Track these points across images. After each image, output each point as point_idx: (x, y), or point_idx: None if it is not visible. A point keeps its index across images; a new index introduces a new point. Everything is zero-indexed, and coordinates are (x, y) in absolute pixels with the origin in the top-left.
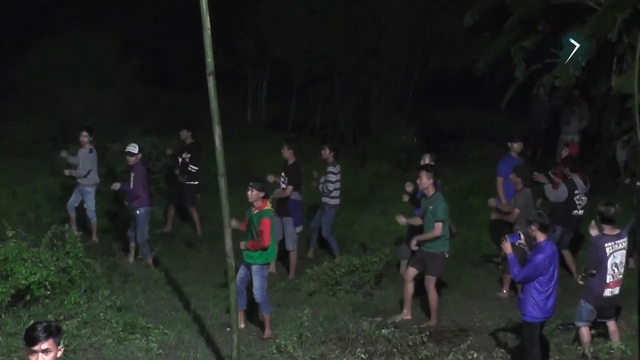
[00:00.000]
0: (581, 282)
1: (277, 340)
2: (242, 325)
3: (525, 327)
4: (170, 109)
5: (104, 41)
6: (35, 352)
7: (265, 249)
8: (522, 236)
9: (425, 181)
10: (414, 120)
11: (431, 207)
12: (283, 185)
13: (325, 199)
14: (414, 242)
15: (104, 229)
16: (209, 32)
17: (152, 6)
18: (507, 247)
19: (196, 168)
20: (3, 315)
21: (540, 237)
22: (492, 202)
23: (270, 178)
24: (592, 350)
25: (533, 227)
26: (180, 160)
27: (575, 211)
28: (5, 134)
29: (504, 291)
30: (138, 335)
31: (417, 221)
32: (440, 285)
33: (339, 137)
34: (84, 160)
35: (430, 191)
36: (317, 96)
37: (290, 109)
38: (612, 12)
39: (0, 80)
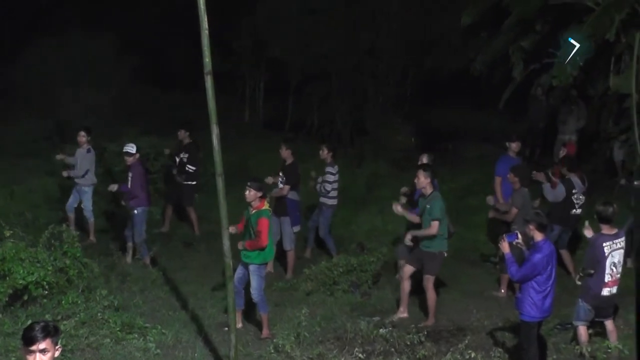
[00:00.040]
0: (579, 282)
1: (274, 340)
2: (240, 325)
3: (523, 326)
4: (169, 109)
5: (103, 41)
6: (33, 352)
7: (262, 248)
8: (519, 236)
9: (423, 180)
10: (411, 120)
11: (428, 206)
12: (281, 185)
13: (322, 199)
14: (408, 236)
15: (102, 229)
16: (206, 32)
17: (152, 6)
18: (505, 246)
19: (194, 168)
20: (1, 315)
21: (538, 236)
22: (490, 199)
23: (269, 180)
24: (589, 350)
25: (531, 227)
26: (178, 160)
27: (573, 210)
28: (3, 133)
29: (502, 291)
30: (136, 335)
31: (414, 218)
32: (438, 285)
33: (336, 137)
34: (82, 160)
35: (428, 190)
36: (314, 96)
37: (287, 108)
38: (610, 12)
39: None
